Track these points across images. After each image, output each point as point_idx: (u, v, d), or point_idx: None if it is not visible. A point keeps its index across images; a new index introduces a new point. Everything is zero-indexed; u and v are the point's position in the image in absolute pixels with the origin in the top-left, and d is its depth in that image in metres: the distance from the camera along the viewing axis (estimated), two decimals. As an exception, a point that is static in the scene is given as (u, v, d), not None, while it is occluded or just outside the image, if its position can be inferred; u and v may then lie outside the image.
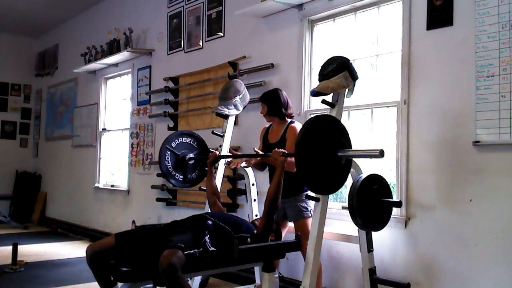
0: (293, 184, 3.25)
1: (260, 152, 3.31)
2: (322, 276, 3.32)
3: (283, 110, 3.43)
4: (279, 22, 4.24)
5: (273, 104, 3.43)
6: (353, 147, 2.77)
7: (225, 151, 3.77)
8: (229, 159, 3.67)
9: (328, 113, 2.97)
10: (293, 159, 3.10)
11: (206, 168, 3.56)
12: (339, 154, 2.65)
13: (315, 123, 2.63)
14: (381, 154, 2.56)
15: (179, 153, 3.71)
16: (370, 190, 2.86)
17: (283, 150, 2.94)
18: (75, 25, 7.90)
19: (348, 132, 2.75)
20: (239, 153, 3.72)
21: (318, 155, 2.58)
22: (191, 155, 3.75)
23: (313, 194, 2.91)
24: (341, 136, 2.68)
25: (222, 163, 3.76)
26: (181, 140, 3.76)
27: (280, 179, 2.88)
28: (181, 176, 3.73)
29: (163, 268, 2.37)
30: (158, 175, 5.40)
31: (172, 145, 3.70)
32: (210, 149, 3.81)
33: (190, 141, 3.81)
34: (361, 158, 2.84)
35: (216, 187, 3.45)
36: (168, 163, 3.66)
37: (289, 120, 3.47)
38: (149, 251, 2.55)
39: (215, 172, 3.66)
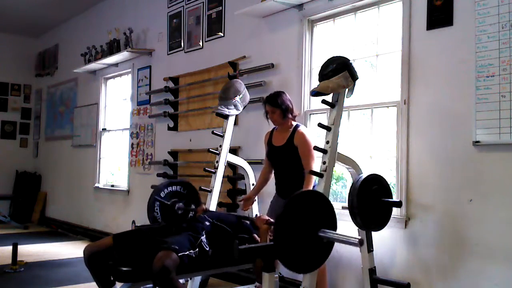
0: (298, 186, 3.25)
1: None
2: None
3: (294, 113, 3.44)
4: (279, 22, 4.24)
5: (286, 107, 3.40)
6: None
7: (225, 151, 3.77)
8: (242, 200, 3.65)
9: (330, 114, 2.96)
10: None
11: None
12: (320, 234, 2.50)
13: (298, 199, 2.50)
14: (360, 243, 2.46)
15: (169, 203, 3.63)
16: (370, 190, 2.86)
17: (267, 218, 2.89)
18: (75, 25, 7.90)
19: (334, 210, 2.61)
20: (226, 213, 3.70)
21: (297, 234, 2.43)
22: (181, 204, 3.66)
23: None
24: (326, 215, 2.55)
25: (222, 164, 3.75)
26: (170, 189, 3.68)
27: None
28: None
29: (156, 270, 2.37)
30: (158, 175, 5.41)
31: (161, 195, 3.62)
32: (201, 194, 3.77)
33: (180, 189, 3.73)
34: (341, 243, 2.65)
35: None
36: (157, 214, 3.59)
37: (294, 122, 3.46)
38: (146, 252, 2.55)
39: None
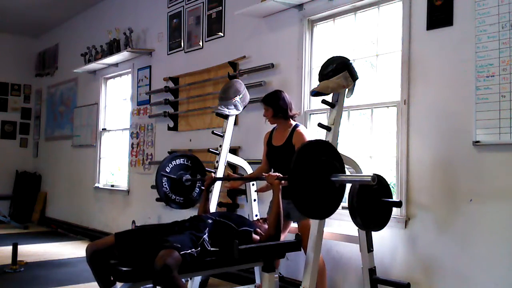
0: None
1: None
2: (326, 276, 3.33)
3: (289, 112, 3.42)
4: (279, 22, 4.24)
5: (278, 106, 3.40)
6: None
7: (225, 151, 3.78)
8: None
9: (330, 114, 2.97)
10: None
11: (203, 187, 3.54)
12: (332, 179, 2.58)
13: (308, 148, 2.58)
14: (373, 180, 2.49)
15: (175, 176, 3.69)
16: (370, 190, 2.86)
17: (277, 174, 2.91)
18: (75, 25, 7.90)
19: (341, 156, 2.70)
20: (236, 175, 3.72)
21: (311, 180, 2.52)
22: (188, 176, 3.73)
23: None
24: (335, 161, 2.62)
25: (222, 164, 3.75)
26: (175, 163, 3.73)
27: (279, 203, 2.85)
28: (181, 198, 3.73)
29: (157, 269, 2.37)
30: (158, 175, 5.40)
31: (167, 170, 3.67)
32: (206, 170, 3.81)
33: (184, 161, 3.78)
34: (354, 183, 2.78)
35: (208, 211, 3.40)
36: (167, 189, 3.65)
37: (293, 122, 3.46)
38: (147, 251, 2.55)
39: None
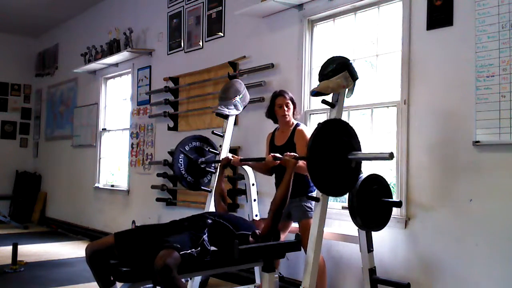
0: (298, 185, 3.25)
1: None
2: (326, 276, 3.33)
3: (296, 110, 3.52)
4: (279, 22, 4.25)
5: (295, 105, 3.49)
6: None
7: (225, 151, 3.78)
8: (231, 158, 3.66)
9: (330, 114, 2.98)
10: (304, 162, 3.11)
11: (214, 170, 3.58)
12: (350, 157, 2.67)
13: (325, 127, 2.66)
14: (390, 156, 2.58)
15: (192, 157, 3.80)
16: (370, 190, 2.86)
17: (295, 154, 2.96)
18: (75, 25, 7.90)
19: (358, 135, 2.79)
20: (251, 158, 3.73)
21: (329, 158, 2.62)
22: (203, 159, 3.84)
23: (313, 194, 2.90)
24: (351, 139, 2.71)
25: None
26: (194, 144, 3.87)
27: (290, 180, 2.89)
28: (192, 179, 3.82)
29: (158, 269, 2.37)
30: (158, 175, 5.41)
31: (186, 148, 3.80)
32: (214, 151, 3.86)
33: (203, 145, 3.91)
34: (371, 160, 2.86)
35: (223, 188, 3.49)
36: (181, 165, 3.75)
37: (294, 122, 3.47)
38: (147, 251, 2.55)
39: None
